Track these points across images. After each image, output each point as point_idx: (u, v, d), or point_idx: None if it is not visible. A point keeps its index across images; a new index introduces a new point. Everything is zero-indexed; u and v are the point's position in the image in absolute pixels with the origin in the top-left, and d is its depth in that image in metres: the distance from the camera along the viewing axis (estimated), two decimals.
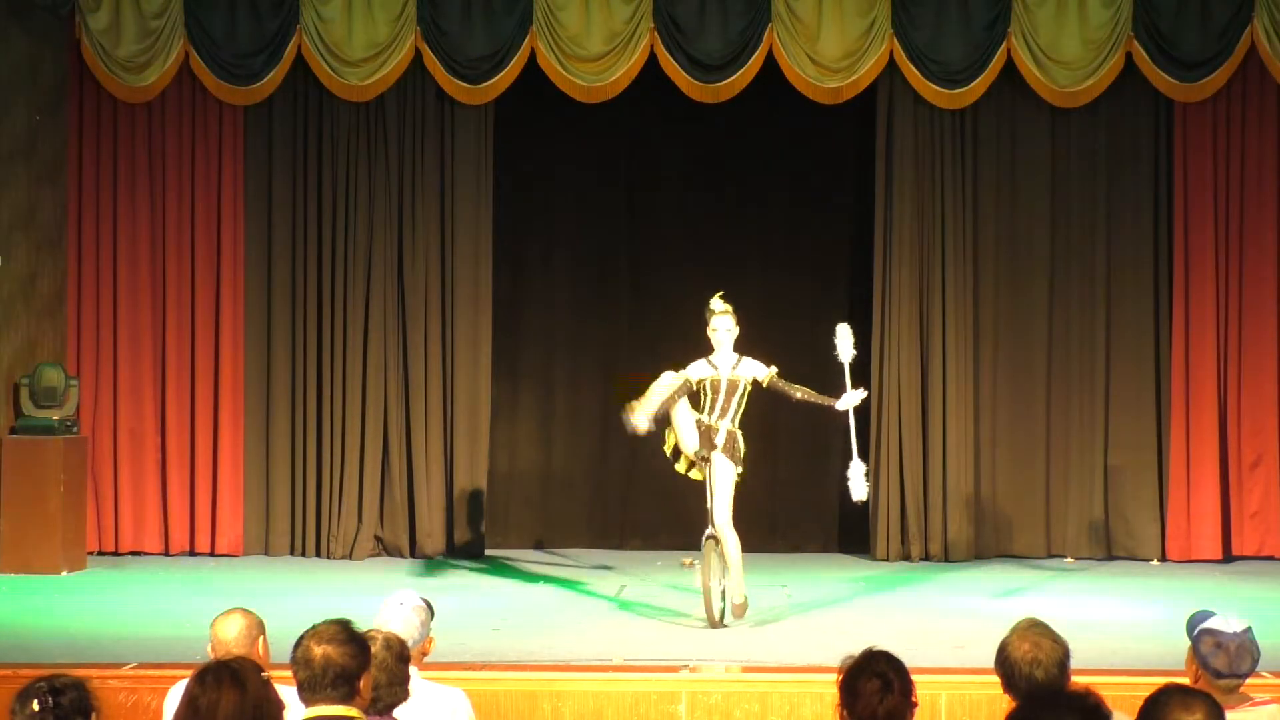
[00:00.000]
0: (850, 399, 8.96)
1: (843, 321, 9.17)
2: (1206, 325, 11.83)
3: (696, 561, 8.93)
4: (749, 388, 8.92)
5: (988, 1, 11.55)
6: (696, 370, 8.94)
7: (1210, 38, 11.44)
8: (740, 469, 8.91)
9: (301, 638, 4.11)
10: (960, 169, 11.97)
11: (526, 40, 11.54)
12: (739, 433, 8.92)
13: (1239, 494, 11.78)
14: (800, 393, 8.93)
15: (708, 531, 8.80)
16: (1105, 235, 11.99)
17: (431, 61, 11.66)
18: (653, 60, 11.54)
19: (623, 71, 11.56)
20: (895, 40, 11.53)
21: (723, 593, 8.82)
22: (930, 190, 11.92)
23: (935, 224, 11.92)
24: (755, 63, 11.48)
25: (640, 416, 8.82)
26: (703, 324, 9.18)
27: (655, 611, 9.49)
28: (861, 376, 11.77)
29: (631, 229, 12.55)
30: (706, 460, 8.81)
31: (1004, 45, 11.52)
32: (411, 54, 11.63)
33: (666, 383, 8.88)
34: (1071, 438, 12.01)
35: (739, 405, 8.91)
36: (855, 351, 9.06)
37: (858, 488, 8.94)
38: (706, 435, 8.84)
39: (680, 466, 9.07)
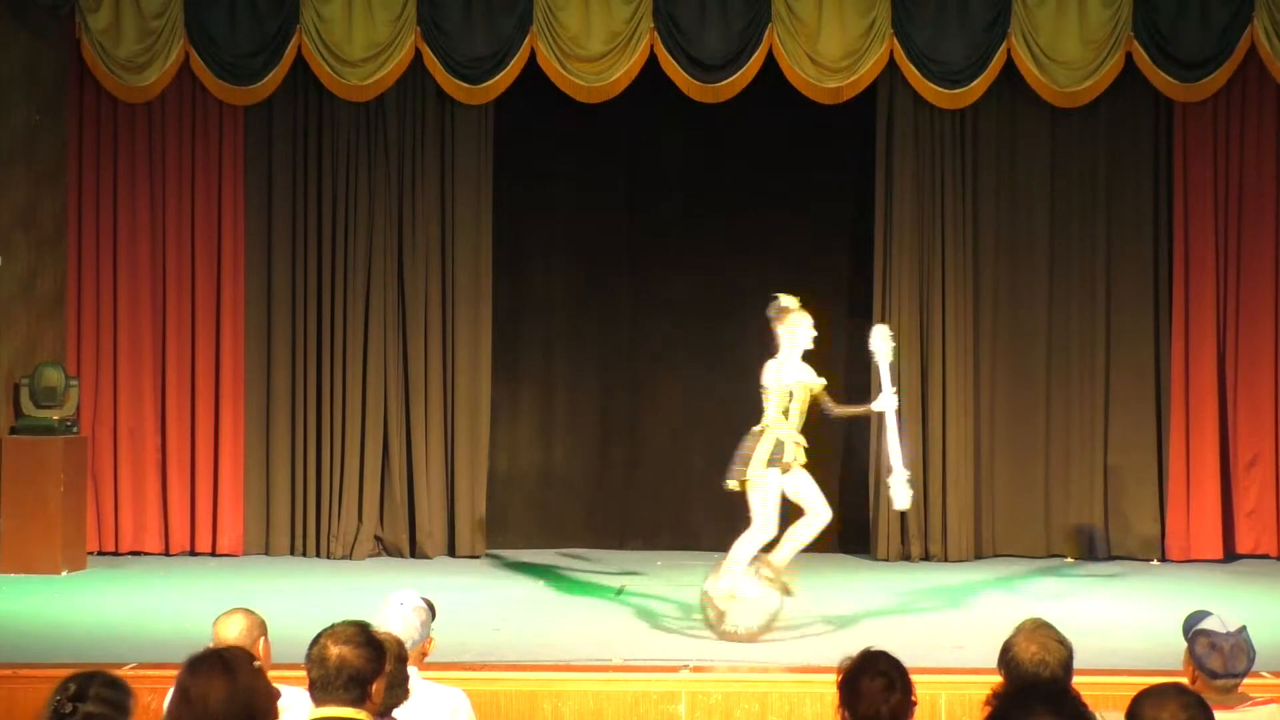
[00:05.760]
0: (887, 401, 8.89)
1: (880, 324, 9.24)
2: (1206, 325, 11.83)
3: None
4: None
5: (988, 1, 11.53)
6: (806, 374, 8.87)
7: (1210, 38, 11.43)
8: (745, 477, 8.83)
9: (319, 636, 4.09)
10: (960, 169, 11.96)
11: (526, 40, 11.53)
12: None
13: (1239, 493, 11.78)
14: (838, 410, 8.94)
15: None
16: (1105, 235, 11.98)
17: (431, 61, 11.66)
18: (653, 60, 11.53)
19: (623, 71, 11.55)
20: (895, 40, 11.52)
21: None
22: (930, 190, 11.92)
23: (935, 224, 11.91)
24: (755, 62, 11.47)
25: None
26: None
27: (654, 613, 9.49)
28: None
29: (631, 229, 12.54)
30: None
31: (1004, 45, 11.50)
32: (411, 54, 11.63)
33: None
34: (1071, 438, 12.00)
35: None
36: (891, 356, 9.07)
37: (900, 496, 8.88)
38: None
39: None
